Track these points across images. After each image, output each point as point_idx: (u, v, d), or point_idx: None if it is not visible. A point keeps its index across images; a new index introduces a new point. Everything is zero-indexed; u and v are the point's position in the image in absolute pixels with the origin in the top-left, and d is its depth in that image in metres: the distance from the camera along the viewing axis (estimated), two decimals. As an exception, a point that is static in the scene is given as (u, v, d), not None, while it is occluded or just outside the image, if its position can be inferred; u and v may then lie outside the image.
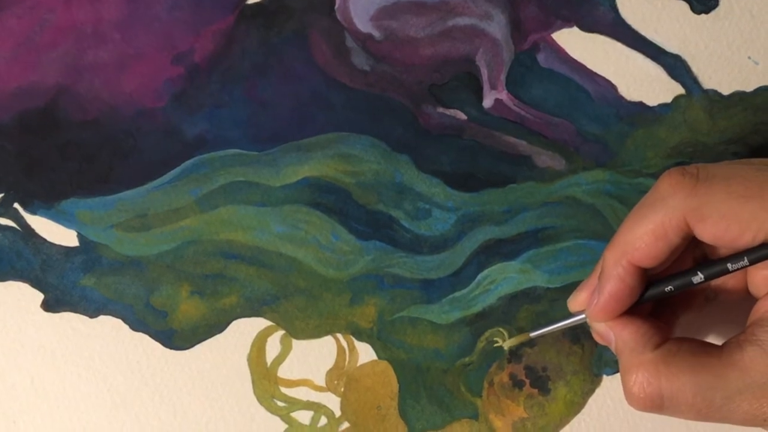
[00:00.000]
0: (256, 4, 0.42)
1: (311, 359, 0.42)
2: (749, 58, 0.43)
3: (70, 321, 0.42)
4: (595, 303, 0.37)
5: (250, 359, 0.42)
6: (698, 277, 0.36)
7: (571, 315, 0.39)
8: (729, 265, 0.36)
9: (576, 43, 0.42)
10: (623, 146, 0.42)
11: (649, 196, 0.36)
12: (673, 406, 0.35)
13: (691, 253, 0.38)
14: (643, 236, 0.35)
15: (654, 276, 0.37)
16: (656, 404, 0.35)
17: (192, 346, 0.42)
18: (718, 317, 0.43)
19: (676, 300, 0.39)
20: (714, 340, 0.38)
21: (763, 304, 0.36)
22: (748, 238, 0.34)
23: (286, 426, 0.42)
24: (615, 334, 0.37)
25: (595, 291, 0.37)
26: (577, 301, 0.39)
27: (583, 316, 0.39)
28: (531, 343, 0.42)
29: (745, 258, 0.35)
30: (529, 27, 0.42)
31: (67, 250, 0.42)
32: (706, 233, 0.35)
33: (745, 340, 0.35)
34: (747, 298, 0.38)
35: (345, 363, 0.42)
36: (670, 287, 0.37)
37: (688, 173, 0.35)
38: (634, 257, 0.36)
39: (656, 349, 0.36)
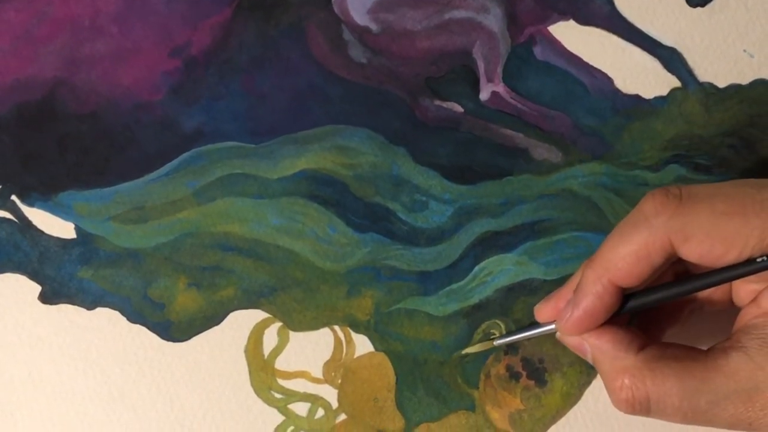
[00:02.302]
0: (253, -3, 0.42)
1: (308, 351, 0.43)
2: (744, 51, 0.43)
3: (67, 313, 0.42)
4: (569, 317, 0.37)
5: (247, 351, 0.42)
6: (676, 291, 0.36)
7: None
8: (712, 280, 0.35)
9: (572, 36, 0.43)
10: (619, 139, 0.43)
11: (632, 215, 0.36)
12: (660, 410, 0.35)
13: (673, 267, 0.37)
14: (625, 256, 0.35)
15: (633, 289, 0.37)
16: (644, 408, 0.35)
17: (189, 338, 0.42)
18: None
19: (661, 313, 0.39)
20: (691, 344, 0.38)
21: (748, 311, 0.36)
22: (733, 255, 0.34)
23: (283, 418, 0.42)
24: (590, 345, 0.37)
25: (567, 305, 0.37)
26: (545, 311, 0.39)
27: (551, 327, 0.39)
28: (527, 334, 0.42)
29: (730, 273, 0.35)
30: (526, 20, 0.43)
31: (65, 243, 0.42)
32: (691, 253, 0.35)
33: (730, 346, 0.35)
34: (732, 311, 0.38)
35: (342, 355, 0.43)
36: (650, 300, 0.37)
37: (672, 194, 0.35)
38: (615, 277, 0.36)
39: (639, 353, 0.36)
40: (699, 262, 0.35)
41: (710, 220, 0.34)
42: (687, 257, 0.35)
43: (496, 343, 0.41)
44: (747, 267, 0.34)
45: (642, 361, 0.36)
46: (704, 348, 0.36)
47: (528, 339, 0.41)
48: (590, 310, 0.36)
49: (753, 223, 0.34)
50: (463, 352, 0.42)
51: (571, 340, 0.37)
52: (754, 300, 0.36)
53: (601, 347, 0.36)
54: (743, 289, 0.37)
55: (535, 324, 0.40)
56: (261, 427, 0.42)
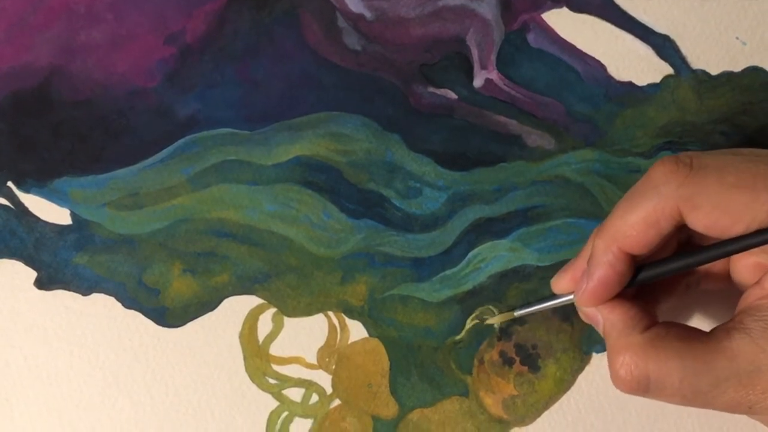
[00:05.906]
0: (248, -16, 0.42)
1: (303, 337, 0.43)
2: (737, 38, 0.43)
3: (63, 299, 0.42)
4: (584, 288, 0.37)
5: (241, 337, 0.42)
6: (688, 262, 0.36)
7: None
8: (726, 250, 0.35)
9: (566, 23, 0.43)
10: (612, 126, 0.43)
11: (641, 183, 0.36)
12: (659, 390, 0.35)
13: (676, 237, 0.38)
14: (634, 224, 0.35)
15: (643, 259, 0.37)
16: (642, 387, 0.35)
17: (184, 323, 0.42)
18: (700, 303, 0.43)
19: (658, 285, 0.39)
20: (695, 325, 0.38)
21: (752, 292, 0.36)
22: (739, 228, 0.34)
23: (277, 403, 0.42)
24: (603, 317, 0.37)
25: (583, 276, 0.37)
26: (561, 283, 0.39)
27: (570, 297, 0.39)
28: (521, 320, 0.43)
29: (742, 243, 0.35)
30: (519, 7, 0.43)
31: (60, 229, 0.42)
32: (698, 222, 0.35)
33: (733, 327, 0.35)
34: (729, 285, 0.38)
35: (336, 341, 0.43)
36: (662, 271, 0.37)
37: (682, 162, 0.35)
38: (625, 244, 0.36)
39: (644, 332, 0.36)
40: (705, 233, 0.35)
41: (719, 192, 0.34)
42: (694, 227, 0.35)
43: (517, 313, 0.41)
44: (761, 237, 0.34)
45: (646, 339, 0.36)
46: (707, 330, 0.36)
47: (548, 309, 0.41)
48: (604, 280, 0.36)
49: (762, 198, 0.34)
50: (487, 323, 0.42)
51: (588, 311, 0.38)
52: (758, 282, 0.36)
53: (612, 320, 0.36)
54: (741, 264, 0.37)
55: (553, 295, 0.40)
56: (255, 413, 0.42)
